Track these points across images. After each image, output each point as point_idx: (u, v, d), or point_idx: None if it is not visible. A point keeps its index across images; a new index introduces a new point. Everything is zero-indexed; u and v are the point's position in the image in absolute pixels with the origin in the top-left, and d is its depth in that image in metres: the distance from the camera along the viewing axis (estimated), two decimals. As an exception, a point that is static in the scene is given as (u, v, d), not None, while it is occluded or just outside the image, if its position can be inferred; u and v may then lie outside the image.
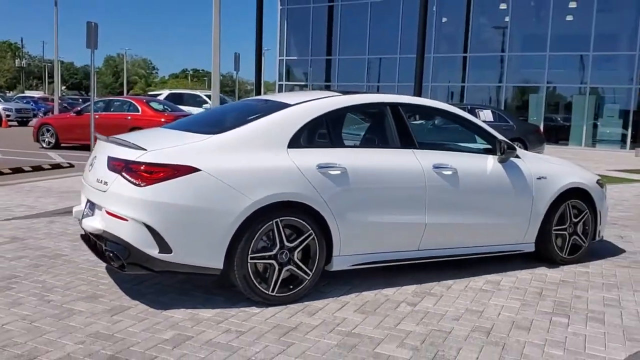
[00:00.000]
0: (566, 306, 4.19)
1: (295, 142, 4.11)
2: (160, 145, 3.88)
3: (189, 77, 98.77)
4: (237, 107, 5.26)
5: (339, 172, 4.12)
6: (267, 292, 3.94)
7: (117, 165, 3.83)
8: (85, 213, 4.17)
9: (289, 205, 3.94)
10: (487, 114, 15.44)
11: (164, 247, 3.68)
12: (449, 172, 4.58)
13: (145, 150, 3.78)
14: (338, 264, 4.22)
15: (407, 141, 4.58)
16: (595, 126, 23.61)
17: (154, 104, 15.64)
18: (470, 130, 5.06)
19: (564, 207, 5.22)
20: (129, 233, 3.68)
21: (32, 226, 5.98)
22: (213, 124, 4.45)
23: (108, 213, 3.79)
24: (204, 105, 18.86)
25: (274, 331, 3.53)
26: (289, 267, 4.00)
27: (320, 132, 4.34)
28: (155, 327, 3.53)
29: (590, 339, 3.59)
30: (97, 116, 13.96)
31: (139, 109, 14.92)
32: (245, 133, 4.05)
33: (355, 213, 4.18)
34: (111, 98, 18.20)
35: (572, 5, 23.64)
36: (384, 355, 3.26)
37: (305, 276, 4.06)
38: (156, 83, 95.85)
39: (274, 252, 3.94)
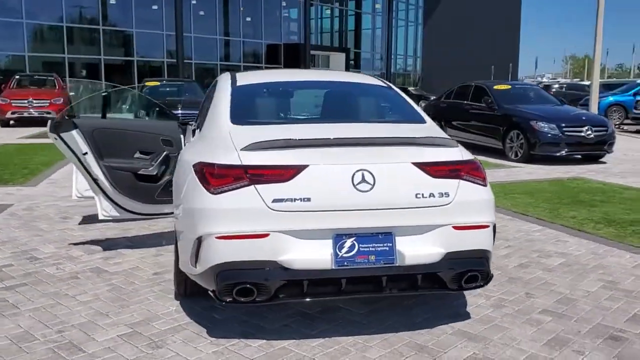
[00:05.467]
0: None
1: None
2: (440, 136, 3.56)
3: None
4: (356, 95, 4.57)
5: None
6: None
7: (449, 169, 3.29)
8: (364, 251, 3.09)
9: None
10: None
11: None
12: None
13: (457, 146, 3.45)
14: None
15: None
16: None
17: None
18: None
19: None
20: (489, 240, 3.38)
21: None
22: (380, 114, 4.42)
23: (459, 228, 3.24)
24: None
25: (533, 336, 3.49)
26: None
27: None
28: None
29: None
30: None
31: None
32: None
33: None
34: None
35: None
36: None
37: None
38: None
39: None
